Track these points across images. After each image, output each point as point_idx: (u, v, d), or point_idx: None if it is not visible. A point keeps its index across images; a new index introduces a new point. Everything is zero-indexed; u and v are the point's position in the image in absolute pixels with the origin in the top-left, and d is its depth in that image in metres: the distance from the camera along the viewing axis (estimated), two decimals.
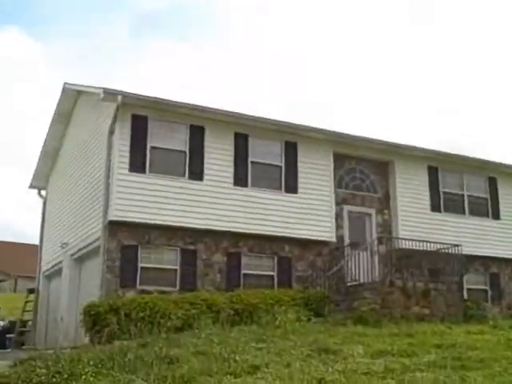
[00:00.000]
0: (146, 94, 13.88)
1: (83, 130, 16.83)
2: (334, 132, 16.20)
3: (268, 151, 15.61)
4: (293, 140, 15.90)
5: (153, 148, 14.07)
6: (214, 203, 14.39)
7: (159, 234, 13.87)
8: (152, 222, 13.61)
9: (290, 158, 15.78)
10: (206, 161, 14.60)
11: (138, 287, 13.30)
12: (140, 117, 14.01)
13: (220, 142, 14.95)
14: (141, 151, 13.84)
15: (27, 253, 50.11)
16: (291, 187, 15.60)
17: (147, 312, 11.87)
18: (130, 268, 13.34)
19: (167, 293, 13.21)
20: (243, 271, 14.65)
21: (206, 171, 14.54)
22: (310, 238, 15.50)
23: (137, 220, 13.46)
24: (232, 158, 14.99)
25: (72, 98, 17.60)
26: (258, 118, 15.21)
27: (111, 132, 13.79)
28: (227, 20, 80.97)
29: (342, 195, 16.55)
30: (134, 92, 13.80)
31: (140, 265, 13.53)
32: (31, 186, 20.56)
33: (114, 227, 13.40)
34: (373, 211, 16.87)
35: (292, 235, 15.28)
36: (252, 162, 15.22)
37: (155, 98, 13.95)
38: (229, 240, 14.66)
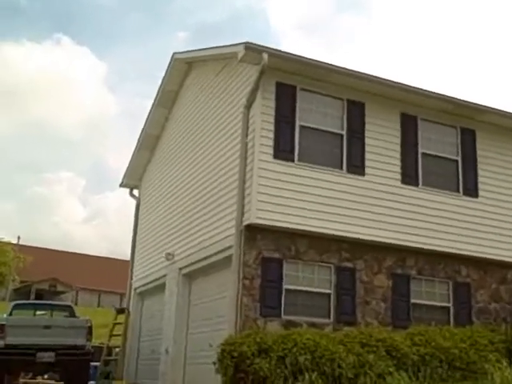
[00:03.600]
0: (297, 54, 10.26)
1: (199, 109, 13.07)
2: None
3: (440, 140, 11.76)
4: (470, 127, 12.03)
5: (302, 128, 10.42)
6: (377, 206, 10.65)
7: (308, 244, 10.16)
8: (301, 227, 9.94)
9: (467, 151, 11.85)
10: (367, 149, 10.86)
11: (283, 317, 9.63)
12: (287, 86, 10.36)
13: (383, 125, 11.17)
14: (288, 132, 10.16)
15: (87, 264, 48.17)
16: (470, 189, 11.68)
17: (307, 356, 8.45)
18: (272, 290, 9.62)
19: (319, 326, 9.68)
20: (412, 300, 10.84)
21: (367, 163, 10.80)
22: (492, 258, 11.58)
23: (282, 225, 9.79)
24: (398, 147, 11.21)
25: (180, 74, 14.13)
26: (432, 93, 11.31)
27: (249, 104, 10.17)
28: None
29: None
30: (281, 50, 10.21)
31: (285, 286, 9.83)
32: (122, 185, 16.90)
33: (253, 233, 9.74)
34: None
35: (470, 253, 11.37)
36: (423, 154, 11.44)
37: (311, 59, 10.29)
38: (393, 257, 10.89)
